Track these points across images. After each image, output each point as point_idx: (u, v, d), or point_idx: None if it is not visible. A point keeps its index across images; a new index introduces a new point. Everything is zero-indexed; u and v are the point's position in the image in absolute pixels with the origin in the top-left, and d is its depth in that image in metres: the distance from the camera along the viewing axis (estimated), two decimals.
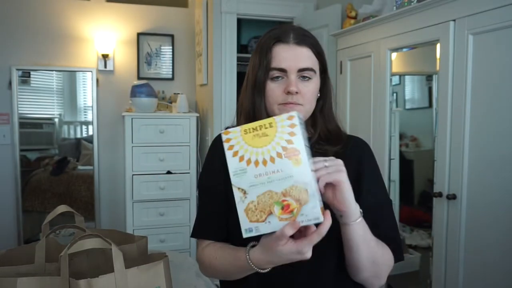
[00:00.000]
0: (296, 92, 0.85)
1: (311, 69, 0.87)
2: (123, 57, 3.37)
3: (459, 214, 1.67)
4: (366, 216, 0.79)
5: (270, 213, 0.68)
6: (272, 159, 0.68)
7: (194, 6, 3.42)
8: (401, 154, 2.32)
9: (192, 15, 3.46)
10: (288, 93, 0.86)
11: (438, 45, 1.78)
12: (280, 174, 0.67)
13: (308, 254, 0.68)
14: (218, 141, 0.98)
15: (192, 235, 0.97)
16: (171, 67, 3.47)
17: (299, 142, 0.68)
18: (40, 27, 3.20)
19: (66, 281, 0.68)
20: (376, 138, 2.25)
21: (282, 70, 0.86)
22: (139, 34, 3.37)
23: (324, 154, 0.84)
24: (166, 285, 0.76)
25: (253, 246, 0.77)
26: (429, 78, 2.23)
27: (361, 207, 0.79)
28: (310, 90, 0.88)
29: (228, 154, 0.70)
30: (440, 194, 1.76)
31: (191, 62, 3.51)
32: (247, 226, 0.69)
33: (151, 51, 3.41)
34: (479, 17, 1.56)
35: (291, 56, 0.86)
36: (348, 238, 0.79)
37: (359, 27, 2.35)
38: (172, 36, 3.44)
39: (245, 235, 0.69)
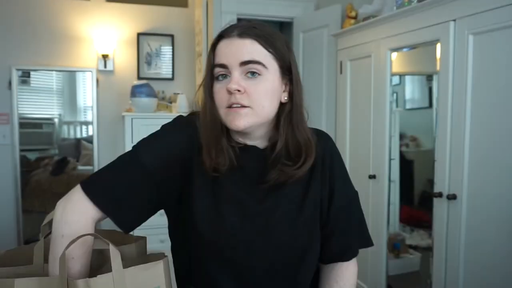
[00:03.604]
0: (239, 91, 0.73)
1: (258, 62, 0.74)
2: (123, 57, 3.37)
3: (460, 214, 1.67)
4: (339, 213, 0.84)
5: None
6: None
7: (194, 6, 3.41)
8: (401, 154, 2.32)
9: (192, 15, 3.46)
10: (231, 93, 0.74)
11: (438, 45, 1.78)
12: None
13: None
14: (192, 123, 0.81)
15: (83, 185, 0.76)
16: (171, 67, 3.47)
17: None
18: (40, 27, 3.20)
19: (64, 281, 0.67)
20: (376, 138, 2.24)
21: (224, 66, 0.75)
22: (139, 34, 3.37)
23: (291, 177, 0.79)
24: (166, 285, 0.76)
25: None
26: (429, 78, 2.23)
27: (334, 207, 0.84)
28: (259, 88, 0.74)
29: None
30: (440, 194, 1.75)
31: (191, 62, 3.51)
32: None
33: (151, 51, 3.41)
34: (479, 17, 1.56)
35: (232, 50, 0.75)
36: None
37: (359, 27, 2.34)
38: (172, 36, 3.44)
39: None
